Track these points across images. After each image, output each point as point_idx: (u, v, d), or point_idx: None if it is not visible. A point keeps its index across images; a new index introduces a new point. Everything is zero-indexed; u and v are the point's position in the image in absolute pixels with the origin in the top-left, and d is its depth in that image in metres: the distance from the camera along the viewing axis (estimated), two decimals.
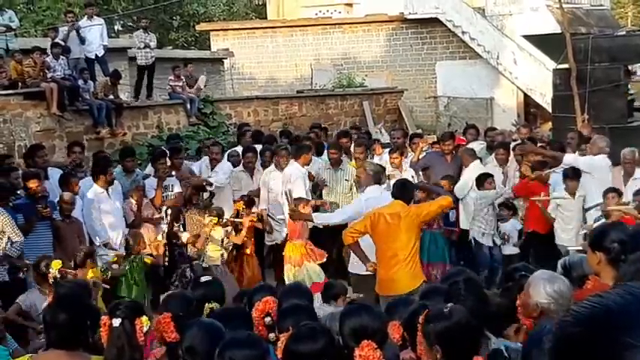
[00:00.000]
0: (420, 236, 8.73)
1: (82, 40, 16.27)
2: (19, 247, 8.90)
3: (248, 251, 11.20)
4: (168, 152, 12.16)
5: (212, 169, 12.08)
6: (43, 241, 9.42)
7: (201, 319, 4.55)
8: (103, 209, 10.41)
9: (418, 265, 8.36)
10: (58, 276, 7.68)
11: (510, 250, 11.27)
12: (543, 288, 4.56)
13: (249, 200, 11.52)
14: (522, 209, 11.51)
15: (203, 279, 5.72)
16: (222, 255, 10.75)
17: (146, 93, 18.14)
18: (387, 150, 12.89)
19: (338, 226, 10.86)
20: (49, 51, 15.13)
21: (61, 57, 15.07)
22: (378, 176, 9.21)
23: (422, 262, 8.80)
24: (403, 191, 8.48)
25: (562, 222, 10.53)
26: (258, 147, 13.06)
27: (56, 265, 7.75)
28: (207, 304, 5.12)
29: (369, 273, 8.81)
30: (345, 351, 4.09)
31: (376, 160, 12.89)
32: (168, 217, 10.66)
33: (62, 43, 15.67)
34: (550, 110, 18.84)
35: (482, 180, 11.19)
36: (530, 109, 25.92)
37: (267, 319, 4.81)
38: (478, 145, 13.01)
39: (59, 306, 4.58)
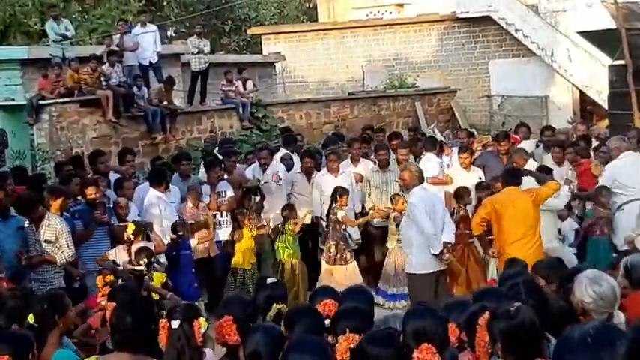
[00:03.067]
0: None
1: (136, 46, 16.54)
2: (67, 258, 8.97)
3: None
4: (221, 158, 12.29)
5: (263, 172, 12.14)
6: (102, 246, 9.57)
7: (265, 324, 4.58)
8: (163, 214, 10.50)
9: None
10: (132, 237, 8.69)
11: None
12: (585, 287, 4.60)
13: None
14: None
15: (269, 280, 5.78)
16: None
17: (199, 98, 18.33)
18: (456, 149, 12.87)
19: (386, 231, 11.08)
20: (105, 59, 15.38)
21: (117, 64, 15.32)
22: (422, 175, 9.33)
23: None
24: (515, 178, 9.27)
25: None
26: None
27: (131, 227, 8.78)
28: (274, 305, 5.18)
29: (426, 272, 9.03)
30: (405, 350, 4.10)
31: (445, 160, 12.84)
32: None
33: (118, 50, 15.91)
34: (606, 107, 18.60)
35: None
36: (586, 106, 25.58)
37: (327, 322, 4.83)
38: (531, 144, 12.91)
39: (125, 309, 4.68)
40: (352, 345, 4.17)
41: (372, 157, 12.62)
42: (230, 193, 11.47)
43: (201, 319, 4.62)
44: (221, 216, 11.25)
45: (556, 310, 4.85)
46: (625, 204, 10.25)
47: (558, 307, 4.95)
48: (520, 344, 3.97)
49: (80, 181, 10.31)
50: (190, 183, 11.36)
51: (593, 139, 13.17)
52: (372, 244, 12.03)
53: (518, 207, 8.93)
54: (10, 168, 12.89)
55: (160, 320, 4.67)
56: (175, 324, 4.57)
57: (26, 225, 9.06)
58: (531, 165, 11.58)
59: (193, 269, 10.28)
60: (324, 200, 11.75)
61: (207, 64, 18.10)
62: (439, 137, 17.69)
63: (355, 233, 11.62)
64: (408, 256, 9.45)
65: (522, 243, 8.86)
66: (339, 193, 11.11)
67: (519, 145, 12.59)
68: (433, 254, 9.10)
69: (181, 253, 10.15)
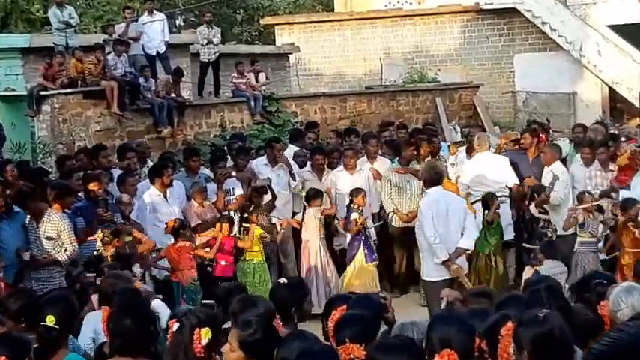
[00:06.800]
0: None
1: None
2: (69, 255, 8.95)
3: None
4: (227, 154, 12.29)
5: (272, 167, 12.10)
6: None
7: (304, 332, 4.57)
8: (159, 213, 10.51)
9: None
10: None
11: None
12: (618, 297, 4.65)
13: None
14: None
15: (281, 280, 5.80)
16: None
17: (213, 90, 18.33)
18: (463, 148, 12.81)
19: (407, 232, 11.00)
20: (110, 48, 15.38)
21: (123, 54, 15.33)
22: (436, 175, 9.35)
23: None
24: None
25: None
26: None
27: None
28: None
29: (442, 279, 8.91)
30: (427, 357, 4.16)
31: (451, 159, 12.82)
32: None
33: (125, 40, 15.92)
34: (637, 105, 18.52)
35: None
36: (615, 104, 25.47)
37: None
38: (565, 144, 12.87)
39: (122, 313, 4.67)
40: (352, 355, 4.20)
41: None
42: (239, 191, 11.43)
43: (204, 330, 4.47)
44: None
45: (582, 322, 4.82)
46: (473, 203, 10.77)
47: (584, 318, 4.94)
48: (549, 353, 3.94)
49: (82, 175, 10.31)
50: (196, 179, 11.35)
51: (622, 139, 13.14)
52: (391, 246, 11.98)
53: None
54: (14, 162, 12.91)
55: (172, 320, 4.65)
56: (175, 326, 4.52)
57: (27, 221, 9.07)
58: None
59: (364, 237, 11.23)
60: (339, 198, 11.74)
61: (217, 55, 18.08)
62: (458, 135, 17.65)
63: (373, 234, 11.63)
64: (422, 261, 9.48)
65: None
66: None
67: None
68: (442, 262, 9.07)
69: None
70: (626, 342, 2.38)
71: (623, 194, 10.72)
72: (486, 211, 10.73)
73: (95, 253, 8.68)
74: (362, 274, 11.02)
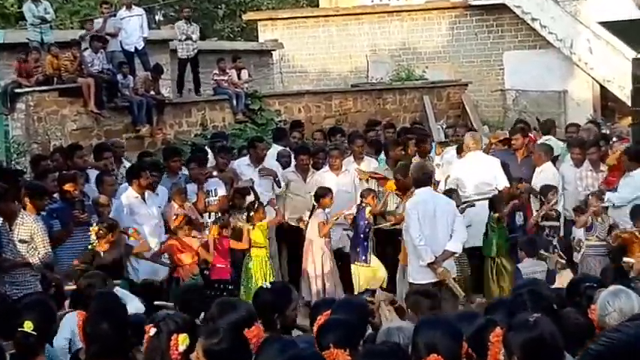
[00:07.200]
0: None
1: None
2: (42, 259, 8.87)
3: None
4: (207, 154, 12.25)
5: (255, 167, 12.06)
6: (80, 248, 9.46)
7: (285, 339, 4.58)
8: (136, 215, 10.43)
9: None
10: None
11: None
12: (605, 301, 4.71)
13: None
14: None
15: (264, 285, 5.82)
16: None
17: (193, 88, 18.25)
18: (451, 148, 12.80)
19: (396, 234, 10.97)
20: (87, 44, 15.30)
21: (100, 51, 15.25)
22: (423, 176, 9.37)
23: None
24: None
25: None
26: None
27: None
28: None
29: (426, 282, 8.89)
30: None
31: (436, 159, 12.82)
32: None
33: (103, 36, 15.85)
34: (630, 104, 18.52)
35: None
36: (607, 102, 25.52)
37: None
38: (554, 143, 12.90)
39: (99, 317, 4.64)
40: None
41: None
42: (222, 192, 11.37)
43: (182, 336, 4.44)
44: (209, 217, 11.16)
45: (572, 326, 4.84)
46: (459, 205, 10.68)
47: (575, 323, 4.95)
48: (539, 358, 3.98)
49: (57, 176, 10.23)
50: (177, 180, 11.29)
51: (614, 139, 13.16)
52: (379, 248, 11.94)
53: None
54: None
55: (149, 325, 4.62)
56: (152, 331, 4.49)
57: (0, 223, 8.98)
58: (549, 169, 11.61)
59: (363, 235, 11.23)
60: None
61: (195, 51, 18.01)
62: (442, 135, 17.68)
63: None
64: (408, 264, 9.44)
65: None
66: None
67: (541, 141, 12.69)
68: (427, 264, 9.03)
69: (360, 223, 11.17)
70: (624, 342, 2.37)
71: (609, 196, 10.74)
72: (491, 212, 10.67)
73: (89, 247, 8.70)
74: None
